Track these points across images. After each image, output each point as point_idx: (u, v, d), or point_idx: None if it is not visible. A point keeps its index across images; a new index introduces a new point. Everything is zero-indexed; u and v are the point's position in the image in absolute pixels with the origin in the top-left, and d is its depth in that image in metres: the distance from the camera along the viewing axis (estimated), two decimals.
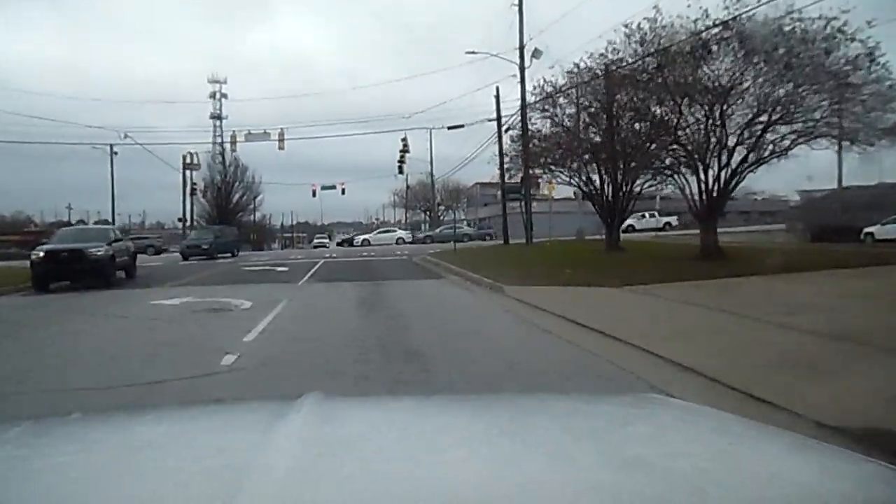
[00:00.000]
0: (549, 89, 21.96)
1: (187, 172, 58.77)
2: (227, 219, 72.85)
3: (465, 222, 77.72)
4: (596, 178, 22.09)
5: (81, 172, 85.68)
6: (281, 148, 34.20)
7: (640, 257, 18.67)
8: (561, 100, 22.28)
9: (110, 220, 58.60)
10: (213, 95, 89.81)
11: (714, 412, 1.56)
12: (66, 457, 1.08)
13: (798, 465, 1.03)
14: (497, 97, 30.68)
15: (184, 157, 65.63)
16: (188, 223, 65.50)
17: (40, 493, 0.90)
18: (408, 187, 78.93)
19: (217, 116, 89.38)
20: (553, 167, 24.12)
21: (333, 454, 0.98)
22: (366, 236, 51.20)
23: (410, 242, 49.25)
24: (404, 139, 37.29)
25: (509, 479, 0.92)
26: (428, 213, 74.08)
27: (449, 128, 30.30)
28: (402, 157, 38.81)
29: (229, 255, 34.05)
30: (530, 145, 23.72)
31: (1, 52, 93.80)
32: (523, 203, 30.54)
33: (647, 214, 51.20)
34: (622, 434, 1.23)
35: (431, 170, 65.35)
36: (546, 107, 23.03)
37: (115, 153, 55.48)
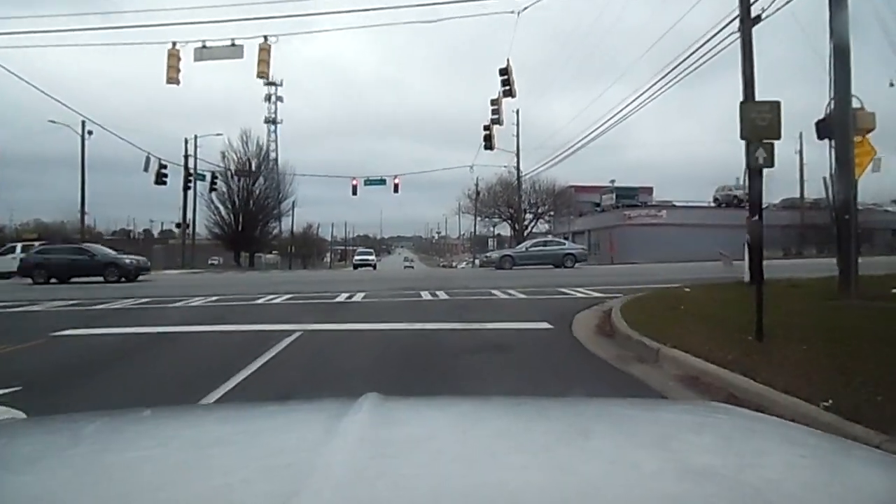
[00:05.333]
0: None
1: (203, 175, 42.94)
2: (248, 225, 57.42)
3: (549, 236, 59.19)
4: None
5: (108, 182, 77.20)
6: (262, 75, 16.85)
7: None
8: None
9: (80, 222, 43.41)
10: (268, 98, 76.24)
11: (783, 423, 1.48)
12: (139, 452, 1.08)
13: (875, 480, 0.97)
14: None
15: (239, 160, 51.19)
16: (188, 229, 49.77)
17: (115, 487, 0.90)
18: (478, 193, 60.99)
19: (272, 121, 75.29)
20: None
21: (392, 455, 0.96)
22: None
23: (496, 265, 31.07)
24: (504, 70, 19.38)
25: (569, 486, 0.88)
26: (511, 221, 55.53)
27: None
28: (495, 111, 21.16)
29: None
30: None
31: (56, 66, 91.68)
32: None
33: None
34: (687, 442, 1.15)
35: (517, 153, 47.20)
36: None
37: (90, 132, 39.98)
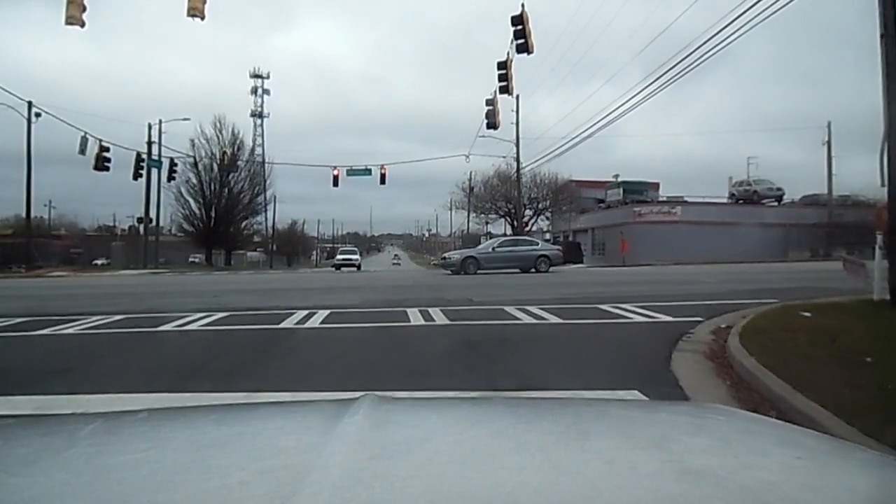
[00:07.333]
0: None
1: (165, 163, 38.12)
2: (222, 220, 52.59)
3: (546, 235, 54.83)
4: None
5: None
6: (194, 12, 12.32)
7: None
8: None
9: (25, 210, 38.56)
10: (254, 91, 71.77)
11: (781, 424, 1.44)
12: (136, 454, 1.06)
13: (874, 482, 0.97)
14: None
15: (223, 155, 46.54)
16: (153, 224, 44.95)
17: (112, 489, 0.90)
18: (471, 188, 56.60)
19: (258, 115, 70.73)
20: None
21: (389, 457, 0.95)
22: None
23: (456, 269, 26.37)
24: (518, 18, 14.88)
25: (567, 487, 0.88)
26: (508, 218, 51.08)
27: None
28: (503, 76, 16.72)
29: None
30: None
31: (47, 66, 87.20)
32: None
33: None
34: (685, 443, 1.11)
35: (517, 142, 42.93)
36: None
37: (39, 114, 35.18)
